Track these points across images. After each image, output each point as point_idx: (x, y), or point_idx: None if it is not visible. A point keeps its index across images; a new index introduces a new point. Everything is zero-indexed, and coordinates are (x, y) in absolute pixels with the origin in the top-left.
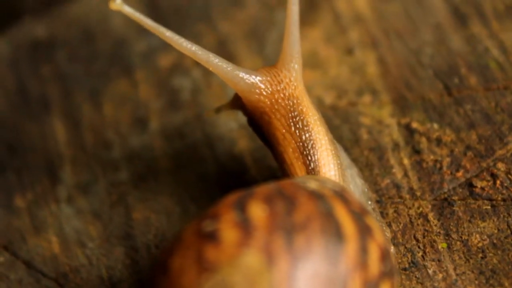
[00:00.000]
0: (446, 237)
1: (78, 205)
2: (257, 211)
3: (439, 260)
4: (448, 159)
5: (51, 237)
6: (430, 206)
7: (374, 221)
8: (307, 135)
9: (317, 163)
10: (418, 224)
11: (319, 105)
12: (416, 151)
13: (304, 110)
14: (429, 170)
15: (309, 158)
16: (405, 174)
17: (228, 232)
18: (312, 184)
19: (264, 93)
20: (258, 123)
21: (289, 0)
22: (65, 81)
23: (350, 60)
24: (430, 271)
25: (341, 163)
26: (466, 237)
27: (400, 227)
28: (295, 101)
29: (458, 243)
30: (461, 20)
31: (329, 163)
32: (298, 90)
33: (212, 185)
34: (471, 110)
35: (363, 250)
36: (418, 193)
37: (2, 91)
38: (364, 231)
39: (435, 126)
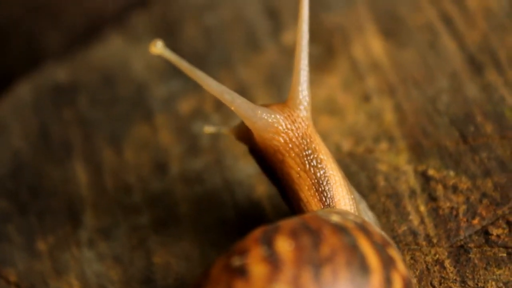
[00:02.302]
0: (462, 284)
1: (99, 249)
2: (284, 246)
3: None
4: (464, 207)
5: (72, 281)
6: (446, 253)
7: (396, 252)
8: (321, 172)
9: (333, 199)
10: (434, 271)
11: (337, 151)
12: (433, 198)
13: (317, 148)
14: (446, 217)
15: (325, 194)
16: (422, 221)
17: (257, 266)
18: (335, 217)
19: (280, 133)
20: (270, 160)
21: (298, 36)
22: (86, 125)
23: (367, 107)
24: None
25: (354, 197)
26: (482, 284)
27: (417, 273)
28: (308, 140)
29: None
30: (477, 68)
31: (344, 198)
32: (310, 128)
33: (231, 230)
34: (486, 158)
35: (388, 281)
36: (435, 240)
37: (25, 134)
38: (388, 262)
39: (451, 173)
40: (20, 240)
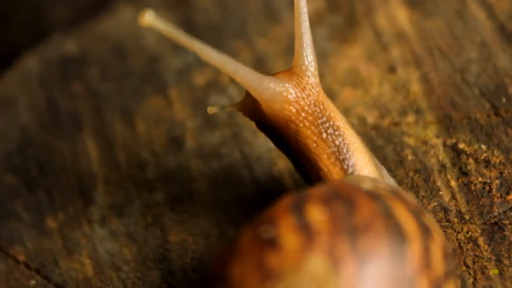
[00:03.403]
0: (498, 263)
1: (112, 227)
2: (317, 214)
3: (491, 287)
4: (497, 182)
5: (84, 260)
6: (479, 231)
7: (432, 220)
8: (340, 139)
9: (355, 167)
10: (467, 249)
11: (361, 124)
12: (464, 173)
13: (332, 115)
14: (478, 192)
15: (346, 162)
16: (453, 197)
17: (289, 237)
18: (366, 184)
19: (290, 101)
20: (282, 131)
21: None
22: (97, 99)
23: (392, 78)
24: None
25: (376, 164)
26: None
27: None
28: (321, 107)
29: (511, 269)
30: (508, 37)
31: (367, 164)
32: (321, 95)
33: (250, 207)
34: None
35: (427, 250)
36: (467, 217)
37: (32, 108)
38: (425, 231)
39: (483, 147)
40: (29, 217)
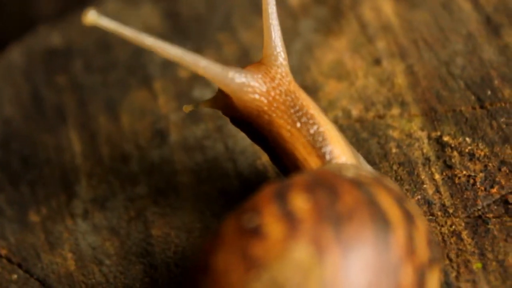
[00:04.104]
0: (481, 257)
1: (95, 221)
2: (300, 203)
3: (474, 281)
4: (481, 175)
5: (66, 254)
6: (463, 224)
7: (415, 207)
8: (315, 127)
9: (332, 155)
10: (451, 243)
11: (346, 117)
12: (448, 166)
13: (304, 103)
14: (462, 186)
15: (323, 150)
16: (437, 190)
17: (273, 226)
18: (348, 172)
19: (260, 92)
20: (255, 123)
21: None
22: (81, 91)
23: (377, 70)
24: None
25: (353, 151)
26: (502, 257)
27: None
28: (293, 96)
29: (494, 263)
30: (494, 29)
31: (344, 152)
32: (292, 84)
33: (234, 200)
34: (505, 123)
35: (411, 237)
36: (451, 210)
37: (16, 101)
38: (409, 218)
39: (468, 139)
40: (12, 211)
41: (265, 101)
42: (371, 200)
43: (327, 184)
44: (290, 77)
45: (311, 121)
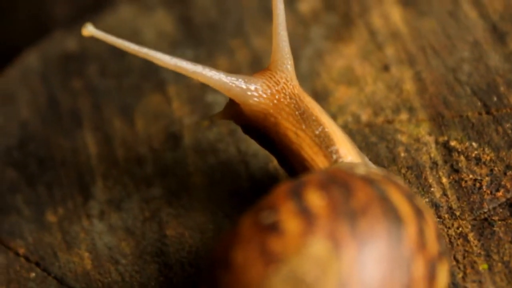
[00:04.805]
0: (487, 258)
1: (111, 221)
2: (315, 199)
3: (480, 282)
4: (487, 179)
5: (83, 253)
6: (470, 226)
7: (423, 203)
8: (320, 128)
9: (338, 154)
10: (458, 245)
11: (355, 122)
12: (455, 170)
13: (309, 106)
14: (469, 189)
15: (329, 150)
16: (444, 193)
17: (291, 222)
18: (359, 170)
19: (264, 95)
20: (262, 126)
21: (274, 0)
22: (96, 95)
23: (386, 77)
24: None
25: (358, 151)
26: (507, 258)
27: None
28: (297, 99)
29: (500, 264)
30: (500, 37)
31: (350, 152)
32: (296, 89)
33: (246, 202)
34: (510, 128)
35: (421, 231)
36: (458, 213)
37: (33, 104)
38: (419, 213)
39: (474, 144)
40: (29, 211)
41: (270, 103)
42: (383, 196)
43: (340, 182)
44: (295, 82)
45: (315, 123)
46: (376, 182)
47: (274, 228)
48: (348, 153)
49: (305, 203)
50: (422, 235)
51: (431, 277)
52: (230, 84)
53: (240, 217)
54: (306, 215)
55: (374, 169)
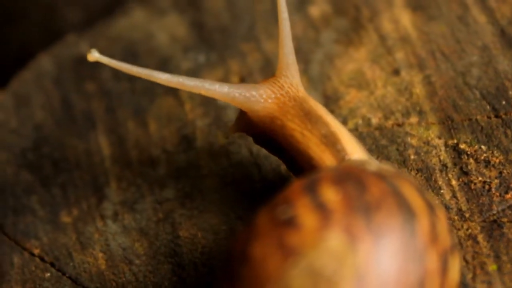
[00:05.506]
0: (496, 259)
1: (124, 222)
2: (330, 194)
3: (489, 283)
4: (496, 181)
5: (97, 254)
6: (479, 228)
7: (433, 198)
8: (325, 128)
9: (345, 152)
10: (467, 246)
11: (366, 125)
12: (464, 173)
13: (314, 107)
14: (478, 191)
15: (336, 148)
16: (454, 195)
17: (307, 217)
18: (372, 167)
19: (269, 100)
20: (270, 130)
21: (279, 10)
22: (110, 98)
23: (396, 80)
24: None
25: (364, 149)
26: None
27: None
28: (302, 101)
29: (509, 265)
30: (508, 41)
31: (356, 149)
32: (301, 92)
33: (258, 204)
34: None
35: (433, 225)
36: (467, 215)
37: (47, 107)
38: (430, 207)
39: (483, 147)
40: (44, 213)
41: (275, 107)
42: (395, 191)
43: (353, 177)
44: (300, 87)
45: (321, 123)
46: (388, 178)
47: (291, 223)
48: (355, 151)
49: (321, 198)
50: (434, 229)
51: (444, 269)
52: (234, 93)
53: (256, 213)
54: (322, 209)
55: (385, 165)
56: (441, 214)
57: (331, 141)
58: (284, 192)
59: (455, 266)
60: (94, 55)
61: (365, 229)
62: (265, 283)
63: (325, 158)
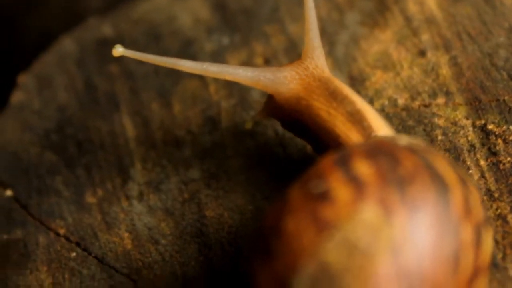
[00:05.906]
0: None
1: (150, 202)
2: (363, 168)
3: None
4: None
5: (123, 233)
6: (508, 208)
7: (465, 173)
8: (351, 106)
9: (372, 129)
10: (497, 226)
11: (392, 106)
12: (493, 153)
13: (338, 86)
14: (507, 172)
15: (362, 125)
16: (482, 176)
17: (341, 190)
18: (403, 141)
19: (294, 81)
20: (295, 111)
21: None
22: (133, 80)
23: (422, 61)
24: (511, 273)
25: (390, 127)
26: None
27: None
28: (326, 81)
29: None
30: None
31: (383, 127)
32: (326, 73)
33: (284, 184)
34: None
35: (466, 198)
36: (496, 195)
37: (70, 89)
38: (463, 180)
39: (511, 128)
40: (68, 193)
41: (300, 87)
42: (428, 164)
43: (385, 151)
44: (325, 68)
45: (346, 101)
46: (420, 152)
47: (324, 196)
48: (381, 128)
49: (353, 171)
50: (467, 202)
51: (478, 242)
52: (258, 77)
53: (287, 189)
54: (356, 183)
55: (415, 140)
56: (473, 188)
57: (357, 119)
58: (316, 167)
59: (488, 239)
60: (118, 50)
61: (400, 202)
62: (300, 256)
63: (352, 136)
